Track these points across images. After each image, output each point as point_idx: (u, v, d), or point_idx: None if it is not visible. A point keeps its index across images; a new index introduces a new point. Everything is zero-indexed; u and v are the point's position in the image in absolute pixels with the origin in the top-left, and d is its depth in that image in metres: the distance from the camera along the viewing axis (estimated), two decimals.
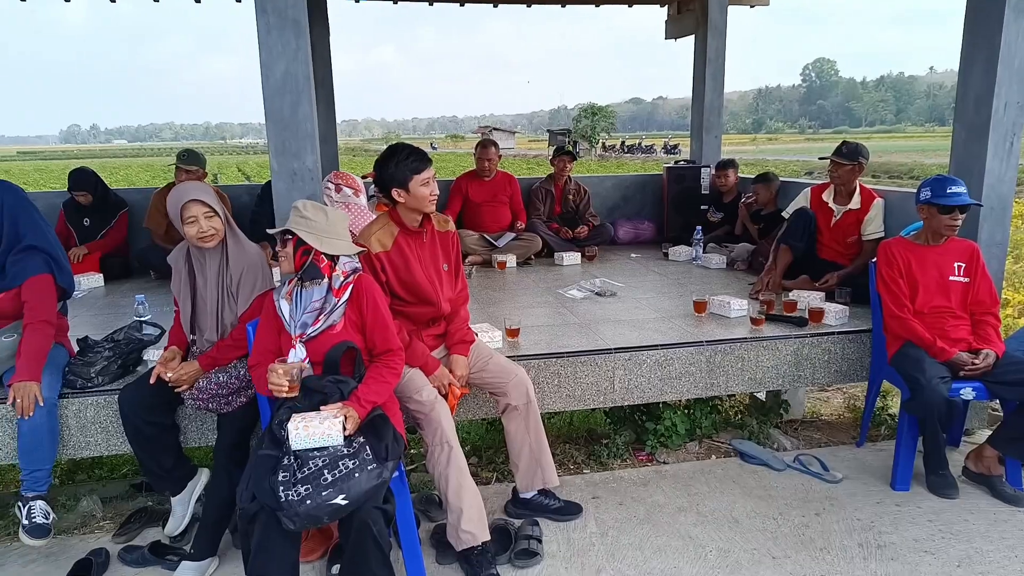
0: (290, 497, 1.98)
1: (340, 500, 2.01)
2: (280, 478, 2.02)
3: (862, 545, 2.71)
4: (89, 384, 2.80)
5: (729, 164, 5.74)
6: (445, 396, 2.73)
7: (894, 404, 3.96)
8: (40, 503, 2.60)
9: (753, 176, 5.45)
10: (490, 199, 5.65)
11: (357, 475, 2.05)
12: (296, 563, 2.13)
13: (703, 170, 6.07)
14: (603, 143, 49.09)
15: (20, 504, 2.59)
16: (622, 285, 4.48)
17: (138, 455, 2.72)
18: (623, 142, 49.72)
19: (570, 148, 6.23)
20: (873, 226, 4.04)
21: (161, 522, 2.91)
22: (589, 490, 3.18)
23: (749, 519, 2.91)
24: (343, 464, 2.06)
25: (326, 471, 2.04)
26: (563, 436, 3.87)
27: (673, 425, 3.53)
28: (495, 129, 63.97)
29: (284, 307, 2.39)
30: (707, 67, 6.15)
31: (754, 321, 3.47)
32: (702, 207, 5.97)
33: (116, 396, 2.72)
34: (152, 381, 2.63)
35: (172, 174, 5.25)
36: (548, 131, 53.07)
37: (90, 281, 4.80)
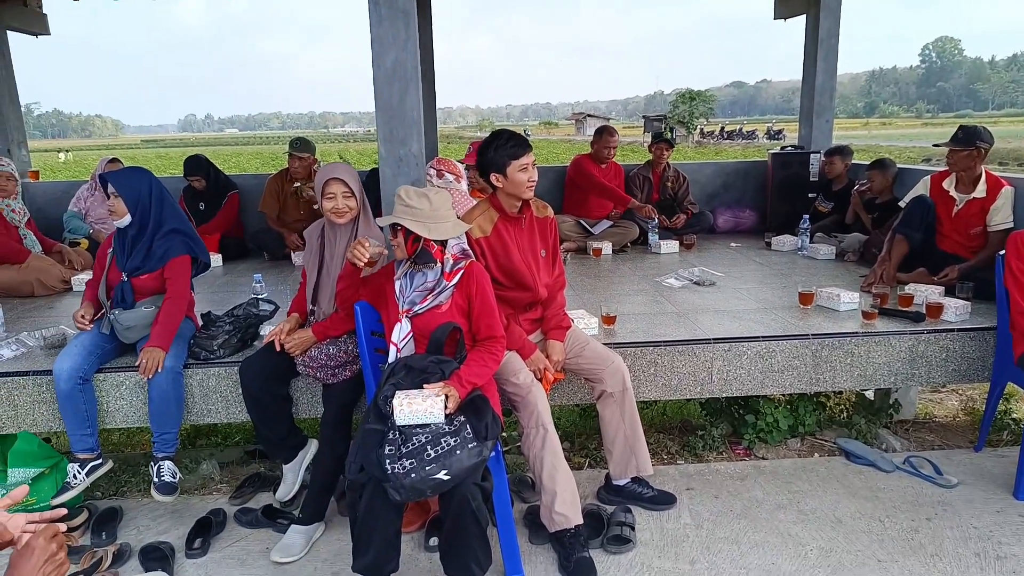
0: (396, 470, 2.07)
1: (442, 475, 2.08)
2: (386, 451, 2.11)
3: (979, 555, 2.55)
4: (211, 356, 3.01)
5: (838, 151, 5.46)
6: (540, 380, 2.77)
7: (1019, 408, 3.69)
8: (168, 463, 2.84)
9: (867, 163, 5.17)
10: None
11: (458, 452, 2.12)
12: (399, 532, 2.24)
13: (812, 156, 5.81)
14: (701, 129, 47.64)
15: (152, 464, 2.84)
16: (721, 275, 4.37)
17: (255, 423, 2.91)
18: (723, 127, 47.95)
19: (667, 134, 6.09)
20: (1000, 216, 3.75)
21: (273, 487, 3.10)
22: (683, 481, 3.14)
23: (853, 520, 2.80)
24: (445, 441, 2.14)
25: (429, 447, 2.12)
26: (656, 425, 3.83)
27: (775, 420, 3.42)
28: (589, 115, 63.27)
29: (397, 284, 2.49)
30: (819, 47, 5.85)
31: (866, 315, 3.31)
32: (810, 195, 5.72)
33: (235, 367, 2.91)
34: (265, 341, 2.85)
35: (281, 161, 5.54)
36: (643, 117, 52.01)
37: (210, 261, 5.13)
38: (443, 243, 2.48)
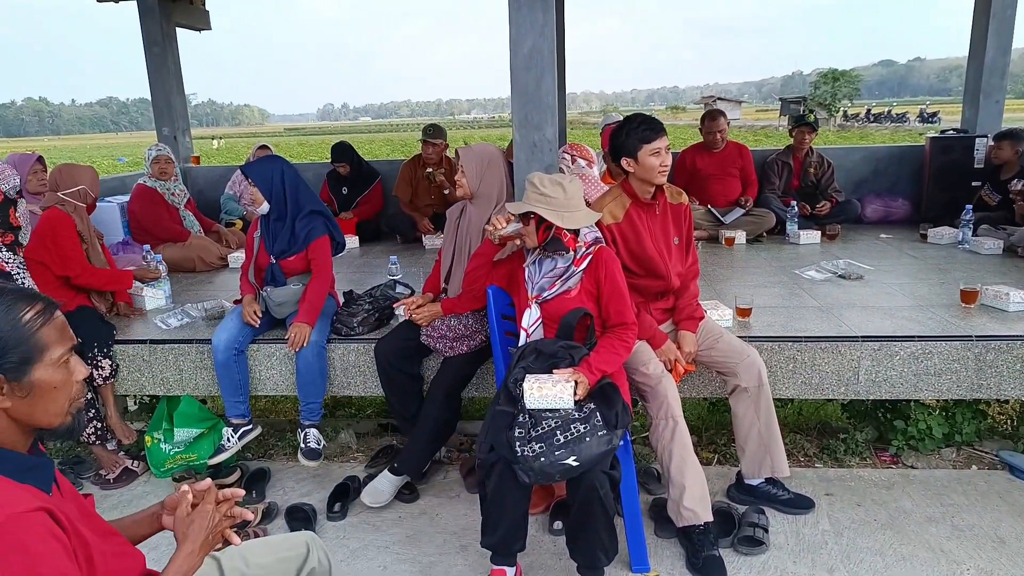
0: (525, 452, 2.09)
1: (571, 461, 2.08)
2: (516, 434, 2.14)
3: None
4: (352, 332, 3.17)
5: (1009, 135, 4.90)
6: (670, 372, 2.70)
7: None
8: (314, 431, 3.04)
9: None
10: (719, 171, 5.41)
11: (588, 439, 2.11)
12: (526, 513, 2.26)
13: (978, 140, 5.27)
14: (844, 111, 44.54)
15: (299, 430, 3.05)
16: (870, 268, 4.07)
17: (388, 398, 3.05)
18: (868, 110, 44.49)
19: (808, 118, 5.72)
20: None
21: None
22: (822, 486, 2.97)
23: (1019, 541, 2.54)
24: (574, 427, 2.13)
25: (558, 432, 2.12)
26: (790, 425, 3.65)
27: (927, 427, 3.16)
28: (719, 99, 60.86)
29: (526, 270, 2.51)
30: (991, 20, 5.29)
31: None
32: (974, 184, 5.20)
33: (372, 345, 3.05)
34: (399, 304, 3.04)
35: (411, 147, 5.73)
36: (780, 99, 49.37)
37: (348, 243, 5.40)
38: (575, 231, 2.46)
